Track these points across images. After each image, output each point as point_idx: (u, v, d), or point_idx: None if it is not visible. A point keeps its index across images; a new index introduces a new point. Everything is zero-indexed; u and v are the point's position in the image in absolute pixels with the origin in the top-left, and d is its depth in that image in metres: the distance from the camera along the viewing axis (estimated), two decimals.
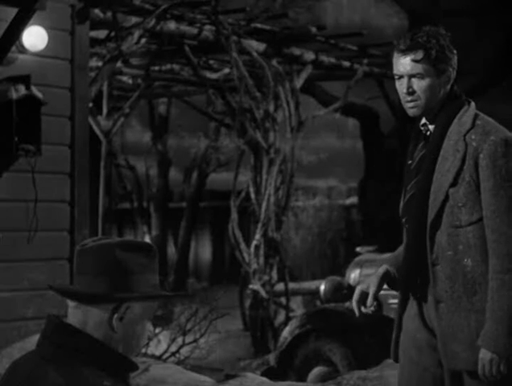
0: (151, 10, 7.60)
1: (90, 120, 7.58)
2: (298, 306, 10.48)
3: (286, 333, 6.86)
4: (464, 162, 2.96)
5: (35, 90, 5.92)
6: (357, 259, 7.35)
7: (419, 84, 3.00)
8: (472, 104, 3.10)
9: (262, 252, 9.29)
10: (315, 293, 8.76)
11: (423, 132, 3.12)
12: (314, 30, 8.83)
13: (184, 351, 8.19)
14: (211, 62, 9.64)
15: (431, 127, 3.08)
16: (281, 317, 9.61)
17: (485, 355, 2.92)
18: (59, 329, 2.13)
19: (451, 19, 14.08)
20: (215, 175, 16.58)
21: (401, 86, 3.04)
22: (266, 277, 9.28)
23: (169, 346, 8.15)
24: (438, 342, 3.04)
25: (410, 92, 3.01)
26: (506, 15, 13.36)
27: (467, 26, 13.83)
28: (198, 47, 8.72)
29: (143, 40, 7.81)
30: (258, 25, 8.77)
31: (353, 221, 15.70)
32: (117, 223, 17.86)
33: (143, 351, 7.76)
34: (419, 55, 2.98)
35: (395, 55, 3.05)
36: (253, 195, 9.46)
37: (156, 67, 9.64)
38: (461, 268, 2.98)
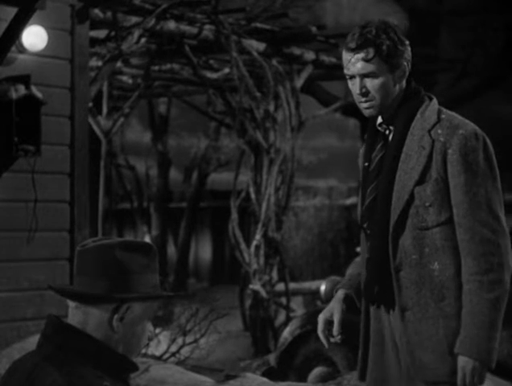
0: (151, 9, 7.59)
1: (90, 120, 7.57)
2: (298, 306, 10.47)
3: (286, 333, 6.85)
4: (431, 158, 2.76)
5: (34, 90, 5.91)
6: (357, 259, 7.34)
7: (372, 83, 2.80)
8: (434, 99, 2.90)
9: (262, 252, 9.28)
10: (315, 293, 8.76)
11: (382, 131, 2.91)
12: (314, 29, 8.82)
13: (184, 351, 8.18)
14: (211, 62, 9.63)
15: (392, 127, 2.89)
16: (281, 317, 9.60)
17: (466, 363, 2.70)
18: (59, 329, 2.12)
19: (452, 19, 14.08)
20: (215, 175, 16.60)
21: (353, 86, 2.84)
22: (266, 277, 9.27)
23: (169, 346, 8.14)
24: (403, 351, 2.81)
25: (364, 92, 2.82)
26: (507, 15, 13.35)
27: (468, 26, 13.83)
28: (198, 46, 8.71)
29: (143, 40, 7.80)
30: (258, 24, 8.75)
31: (353, 221, 15.68)
32: (117, 224, 17.87)
33: (143, 351, 7.76)
34: (370, 53, 2.78)
35: (344, 53, 2.84)
36: (253, 195, 9.45)
37: (156, 67, 9.63)
38: (428, 272, 2.77)
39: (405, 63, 2.83)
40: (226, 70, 9.41)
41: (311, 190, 16.92)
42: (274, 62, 9.18)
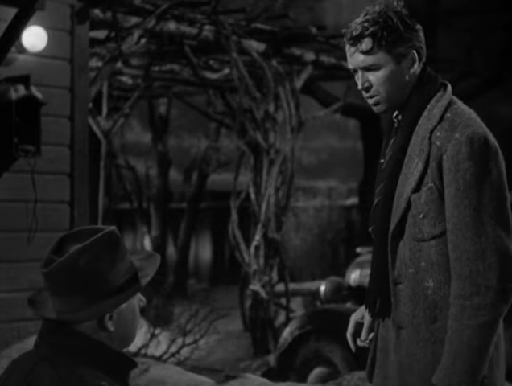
0: (151, 10, 7.59)
1: (90, 120, 7.57)
2: (298, 307, 10.46)
3: (286, 334, 6.85)
4: (428, 163, 2.49)
5: (34, 90, 5.91)
6: (357, 259, 7.34)
7: (375, 76, 2.54)
8: (449, 88, 2.61)
9: (262, 252, 9.28)
10: (315, 293, 8.75)
11: (396, 124, 2.64)
12: (314, 30, 8.82)
13: (184, 351, 8.19)
14: (211, 62, 9.63)
15: None
16: (281, 317, 9.60)
17: None
18: (55, 329, 2.12)
19: (452, 19, 14.07)
20: (215, 176, 16.59)
21: (357, 81, 2.59)
22: (266, 278, 9.27)
23: (169, 347, 8.14)
24: (394, 371, 2.61)
25: (366, 87, 2.56)
26: (507, 15, 13.35)
27: (468, 25, 13.82)
28: (198, 47, 8.71)
29: (143, 40, 7.80)
30: (258, 25, 8.75)
31: (353, 222, 15.69)
32: (116, 224, 17.84)
33: (143, 351, 7.76)
34: (368, 44, 2.51)
35: (345, 45, 2.59)
36: (253, 196, 9.45)
37: (156, 68, 9.63)
38: (422, 289, 2.52)
39: (413, 51, 2.56)
40: (226, 70, 9.42)
41: (311, 190, 16.92)
42: (274, 62, 9.17)
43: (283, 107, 9.33)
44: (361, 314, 2.79)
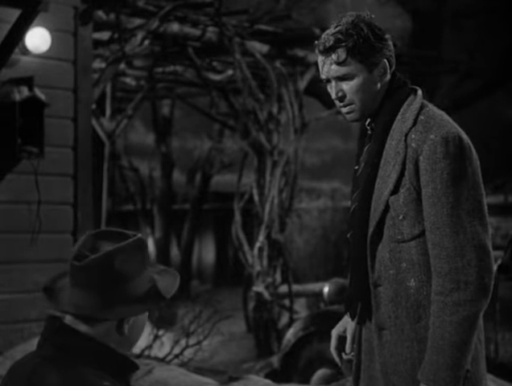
0: (155, 11, 7.59)
1: (93, 121, 7.58)
2: (301, 308, 10.46)
3: (289, 335, 6.85)
4: (405, 165, 2.53)
5: (38, 92, 5.92)
6: None
7: (349, 86, 2.59)
8: (419, 93, 2.65)
9: (265, 254, 9.28)
10: (318, 295, 8.74)
11: (369, 131, 2.69)
12: (318, 31, 8.82)
13: (188, 353, 8.19)
14: (214, 63, 9.64)
15: None
16: (284, 319, 9.59)
17: None
18: (58, 330, 2.12)
19: (457, 20, 14.07)
20: (218, 177, 16.61)
21: (331, 91, 2.65)
22: (269, 279, 9.27)
23: (172, 348, 8.14)
24: (378, 372, 2.64)
25: (340, 96, 2.61)
26: (510, 17, 13.35)
27: (473, 27, 13.83)
28: (201, 48, 8.72)
29: (146, 42, 7.80)
30: (262, 26, 8.76)
31: None
32: (120, 225, 17.86)
33: (147, 352, 7.76)
34: (342, 55, 2.57)
35: (318, 56, 2.64)
36: (256, 197, 9.45)
37: (159, 69, 9.64)
38: (404, 289, 2.55)
39: (384, 60, 2.60)
40: (229, 72, 9.42)
41: (315, 191, 16.93)
42: (278, 64, 9.18)
43: (287, 108, 9.33)
44: (342, 328, 2.83)
